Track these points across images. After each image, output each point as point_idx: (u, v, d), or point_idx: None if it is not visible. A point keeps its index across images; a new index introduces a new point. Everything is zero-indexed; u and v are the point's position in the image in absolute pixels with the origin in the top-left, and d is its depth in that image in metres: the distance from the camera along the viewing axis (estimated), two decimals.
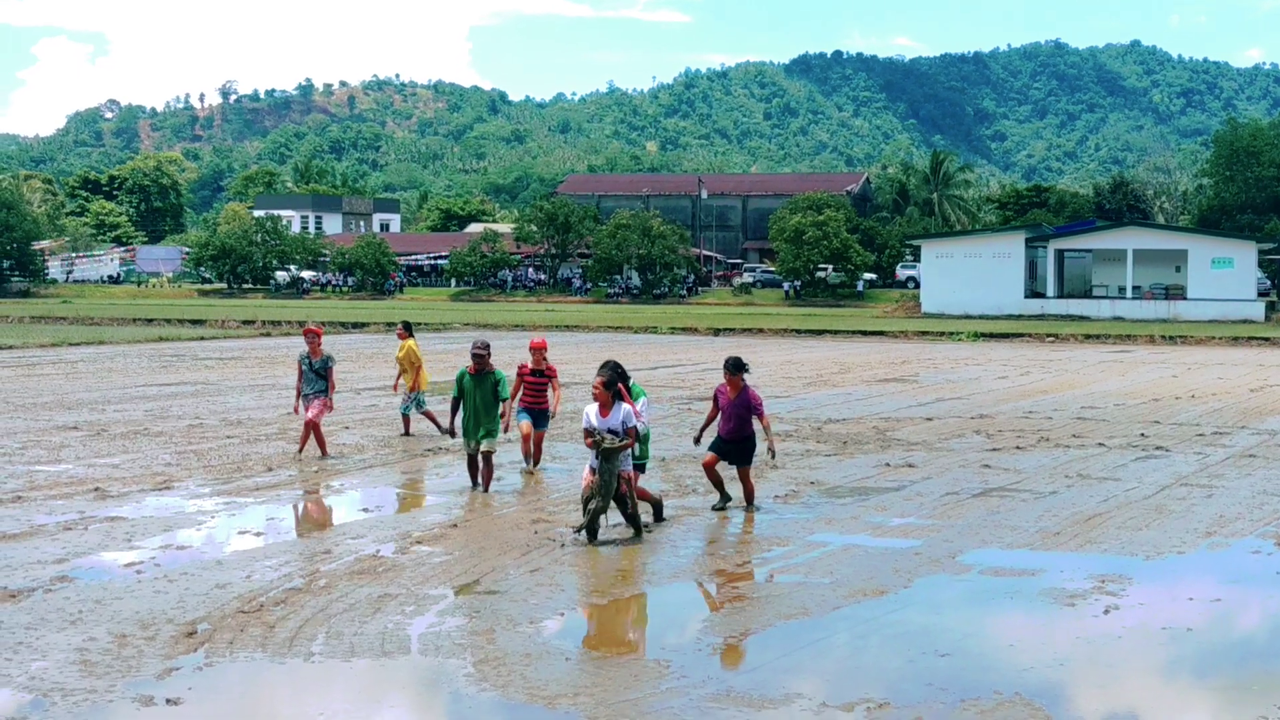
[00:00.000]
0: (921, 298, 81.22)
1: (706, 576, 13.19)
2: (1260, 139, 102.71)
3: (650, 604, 12.18)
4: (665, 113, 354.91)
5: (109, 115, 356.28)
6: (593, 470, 14.03)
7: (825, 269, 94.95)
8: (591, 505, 13.95)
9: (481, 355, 17.32)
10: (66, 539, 14.36)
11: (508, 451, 19.56)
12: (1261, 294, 79.59)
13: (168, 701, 9.27)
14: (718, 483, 16.25)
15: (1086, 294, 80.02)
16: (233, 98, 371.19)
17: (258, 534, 14.90)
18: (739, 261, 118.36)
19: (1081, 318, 72.59)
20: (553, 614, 11.66)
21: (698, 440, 16.68)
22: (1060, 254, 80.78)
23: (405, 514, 16.06)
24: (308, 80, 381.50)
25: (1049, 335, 57.25)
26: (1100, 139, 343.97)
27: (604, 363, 14.71)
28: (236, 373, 36.27)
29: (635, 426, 14.32)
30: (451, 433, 17.83)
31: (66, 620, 11.22)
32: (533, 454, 19.08)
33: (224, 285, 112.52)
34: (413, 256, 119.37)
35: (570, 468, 19.12)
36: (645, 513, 15.10)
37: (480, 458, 17.33)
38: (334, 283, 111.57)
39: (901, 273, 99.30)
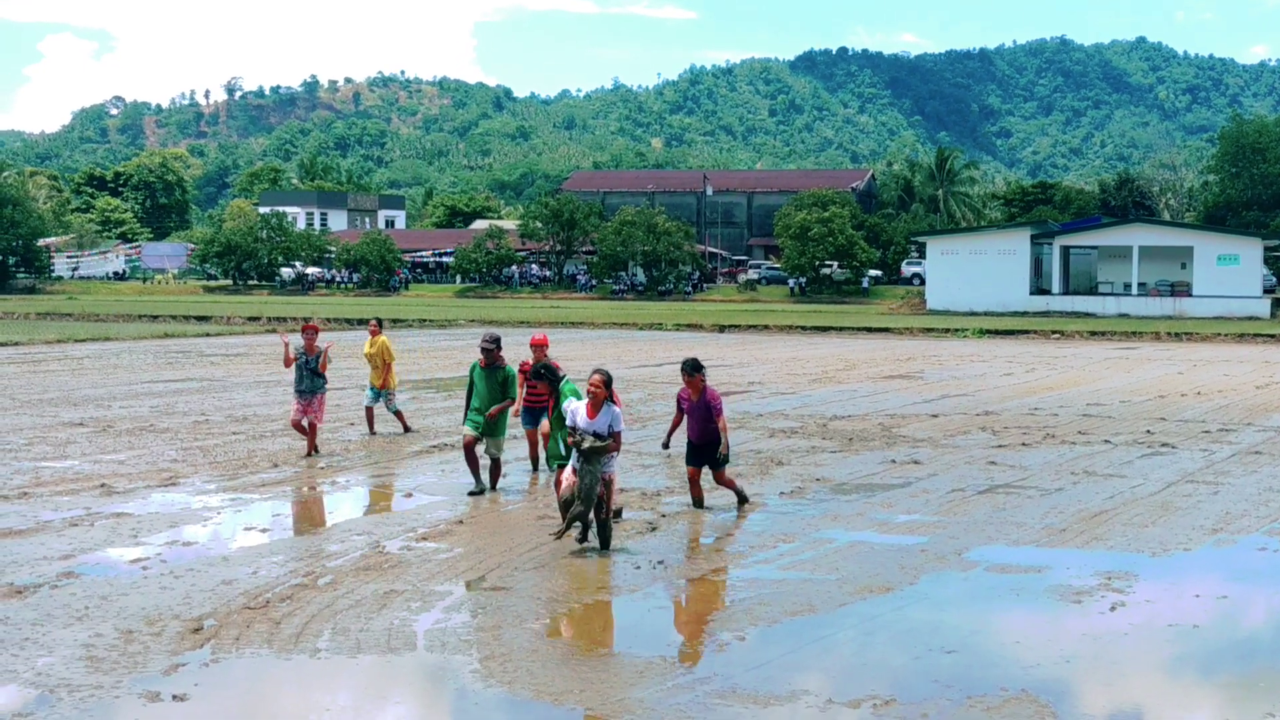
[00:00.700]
0: (927, 294, 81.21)
1: (712, 573, 13.18)
2: (1266, 135, 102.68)
3: (656, 601, 12.16)
4: (670, 109, 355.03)
5: (114, 112, 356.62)
6: (574, 471, 13.66)
7: (830, 266, 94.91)
8: (572, 510, 13.56)
9: (490, 349, 17.05)
10: (72, 535, 14.38)
11: (513, 447, 19.55)
12: (1267, 290, 79.41)
13: (174, 697, 9.28)
14: (699, 499, 16.02)
15: (1092, 291, 79.97)
16: (238, 94, 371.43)
17: (263, 530, 14.91)
18: (744, 258, 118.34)
19: (1087, 314, 72.54)
20: (559, 610, 11.66)
21: (665, 445, 16.32)
22: (1065, 251, 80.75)
23: (411, 510, 16.04)
24: (313, 77, 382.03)
25: (1054, 332, 57.21)
26: (1106, 135, 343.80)
27: (596, 369, 14.24)
28: (242, 369, 36.29)
29: (620, 431, 13.87)
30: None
31: (73, 616, 11.22)
32: (534, 456, 18.91)
33: (229, 282, 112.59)
34: (418, 253, 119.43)
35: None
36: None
37: (490, 461, 17.15)
38: (339, 279, 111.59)
39: (906, 269, 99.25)
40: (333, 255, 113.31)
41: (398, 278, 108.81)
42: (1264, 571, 13.61)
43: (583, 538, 13.85)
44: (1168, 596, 12.35)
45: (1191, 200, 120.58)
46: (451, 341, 47.11)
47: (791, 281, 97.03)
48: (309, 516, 16.25)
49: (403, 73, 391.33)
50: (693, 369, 15.59)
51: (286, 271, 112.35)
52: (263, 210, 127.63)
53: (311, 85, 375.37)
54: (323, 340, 21.10)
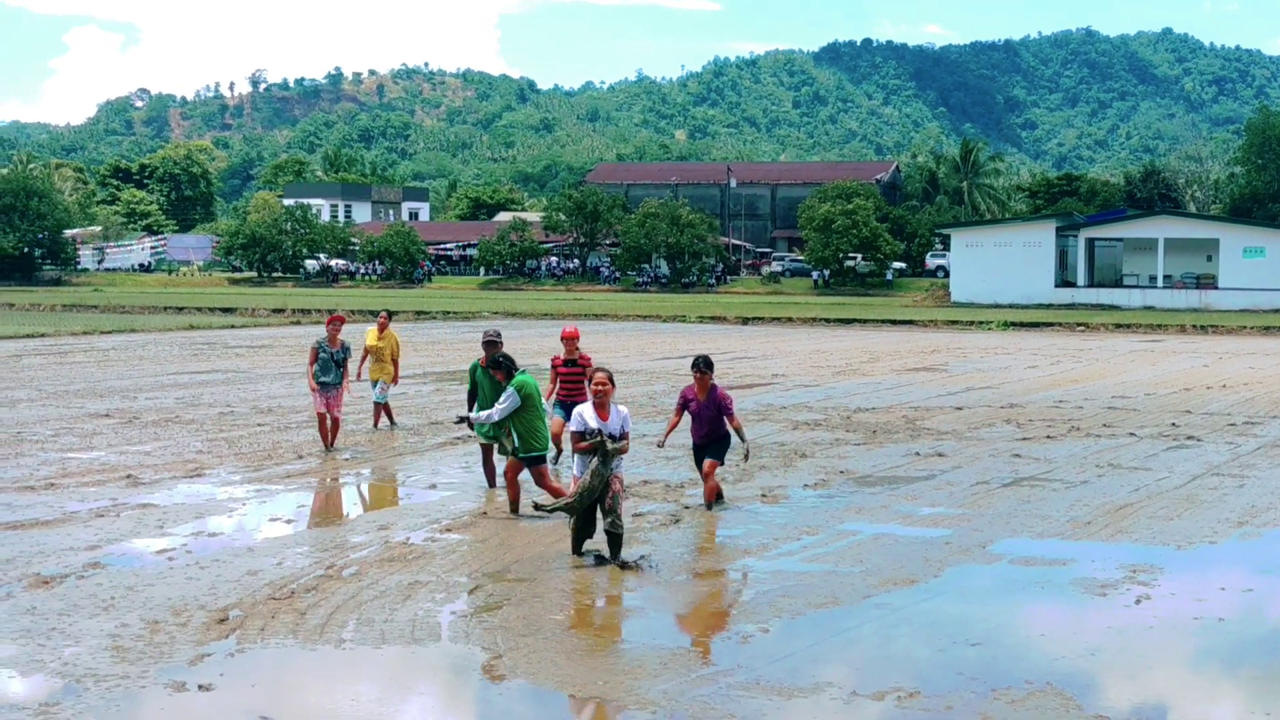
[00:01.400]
0: (951, 287, 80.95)
1: (735, 565, 13.16)
2: None
3: (678, 593, 12.16)
4: (694, 101, 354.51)
5: (139, 104, 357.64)
6: (590, 474, 12.96)
7: (854, 258, 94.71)
8: (570, 501, 13.01)
9: (494, 344, 16.52)
10: (99, 526, 14.44)
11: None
12: None
13: (200, 687, 9.31)
14: (713, 490, 15.56)
15: (1117, 283, 79.60)
16: (262, 86, 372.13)
17: (288, 521, 14.96)
18: (767, 250, 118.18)
19: (1112, 307, 72.24)
20: (582, 603, 11.68)
21: (661, 445, 16.04)
22: (1091, 243, 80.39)
23: (435, 502, 16.07)
24: (337, 69, 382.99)
25: (1079, 324, 57.01)
26: (1131, 127, 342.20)
27: (597, 367, 13.72)
28: (267, 361, 36.39)
29: (629, 431, 13.35)
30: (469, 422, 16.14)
31: (99, 606, 11.28)
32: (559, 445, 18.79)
33: (254, 274, 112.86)
34: (442, 245, 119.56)
35: None
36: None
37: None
38: (363, 271, 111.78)
39: (931, 262, 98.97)
40: (357, 247, 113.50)
41: (421, 270, 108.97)
42: None
43: (578, 548, 13.17)
44: (1193, 590, 12.30)
45: (1217, 192, 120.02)
46: (476, 334, 47.09)
47: (815, 274, 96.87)
48: (333, 508, 16.30)
49: (426, 65, 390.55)
50: (705, 366, 15.22)
51: (311, 264, 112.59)
52: (287, 202, 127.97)
53: (335, 77, 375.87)
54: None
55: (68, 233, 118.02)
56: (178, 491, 16.56)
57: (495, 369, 15.32)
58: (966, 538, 14.20)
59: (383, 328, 22.84)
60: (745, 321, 59.45)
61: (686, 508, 15.45)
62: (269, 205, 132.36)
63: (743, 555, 13.50)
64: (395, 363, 22.69)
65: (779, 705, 9.06)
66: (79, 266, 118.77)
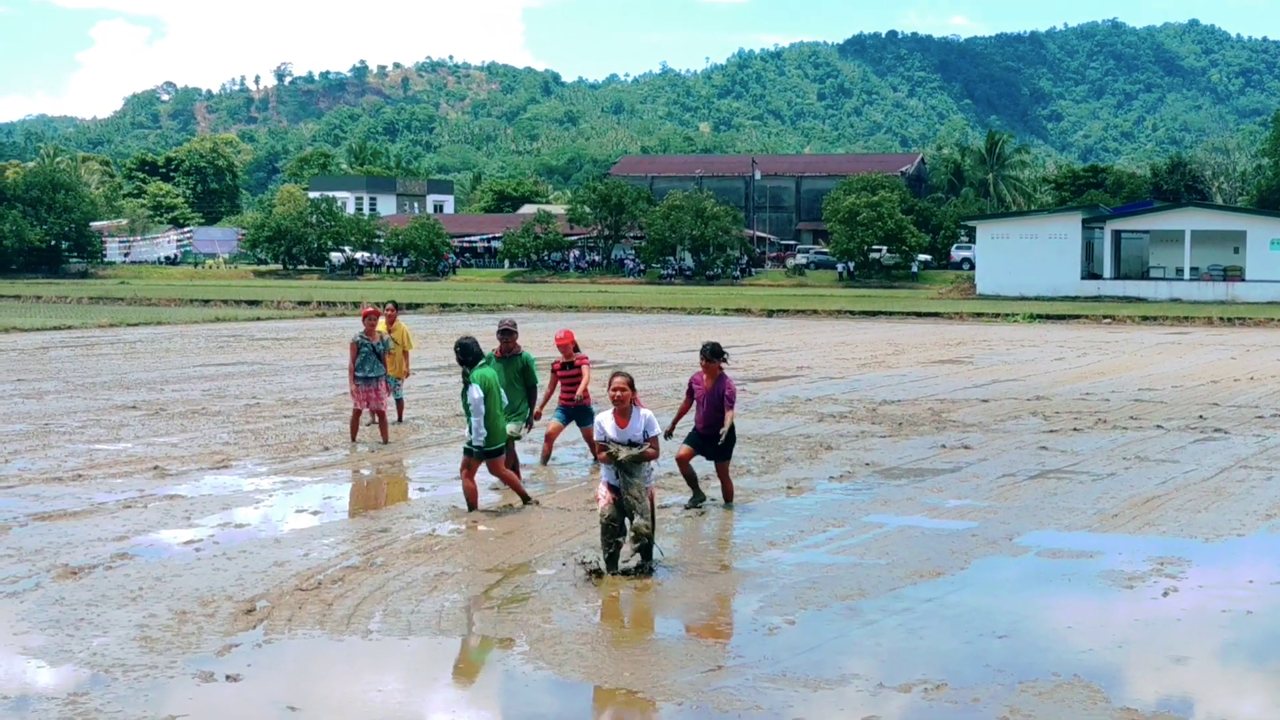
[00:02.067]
0: (977, 279, 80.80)
1: (760, 558, 13.14)
2: None
3: (704, 585, 12.14)
4: (718, 93, 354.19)
5: (165, 97, 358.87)
6: (610, 488, 12.32)
7: (879, 250, 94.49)
8: (638, 530, 12.20)
9: (508, 334, 16.52)
10: (126, 517, 14.50)
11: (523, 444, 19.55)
12: None
13: (227, 678, 9.35)
14: (690, 478, 15.15)
15: (1143, 275, 79.31)
16: (288, 80, 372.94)
17: (315, 513, 14.99)
18: (792, 243, 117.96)
19: (1138, 299, 71.98)
20: (607, 594, 11.67)
21: (670, 434, 14.90)
22: (1117, 235, 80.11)
23: (460, 493, 16.07)
24: (362, 62, 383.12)
25: (1105, 317, 56.84)
26: (1158, 119, 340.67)
27: (616, 371, 13.11)
28: (292, 353, 36.49)
29: (658, 434, 12.65)
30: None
31: (127, 597, 11.32)
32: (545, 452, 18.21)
33: (279, 266, 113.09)
34: (466, 238, 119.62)
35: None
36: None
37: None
38: (388, 264, 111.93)
39: (956, 254, 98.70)
40: (382, 240, 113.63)
41: (446, 262, 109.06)
42: None
43: (612, 566, 12.22)
44: (1221, 582, 12.25)
45: (1244, 184, 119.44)
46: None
47: (840, 266, 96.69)
48: (360, 499, 16.33)
49: (451, 58, 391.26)
50: (713, 354, 14.85)
51: (336, 256, 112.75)
52: (312, 195, 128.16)
53: (360, 70, 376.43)
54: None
55: (94, 225, 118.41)
56: (204, 483, 16.62)
57: (464, 364, 15.07)
58: (993, 530, 14.17)
59: (391, 320, 22.54)
60: (770, 314, 59.38)
61: (712, 500, 15.42)
62: (294, 198, 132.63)
63: (768, 547, 13.48)
64: (406, 355, 22.62)
65: (805, 697, 9.05)
66: (105, 259, 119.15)
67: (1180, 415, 23.63)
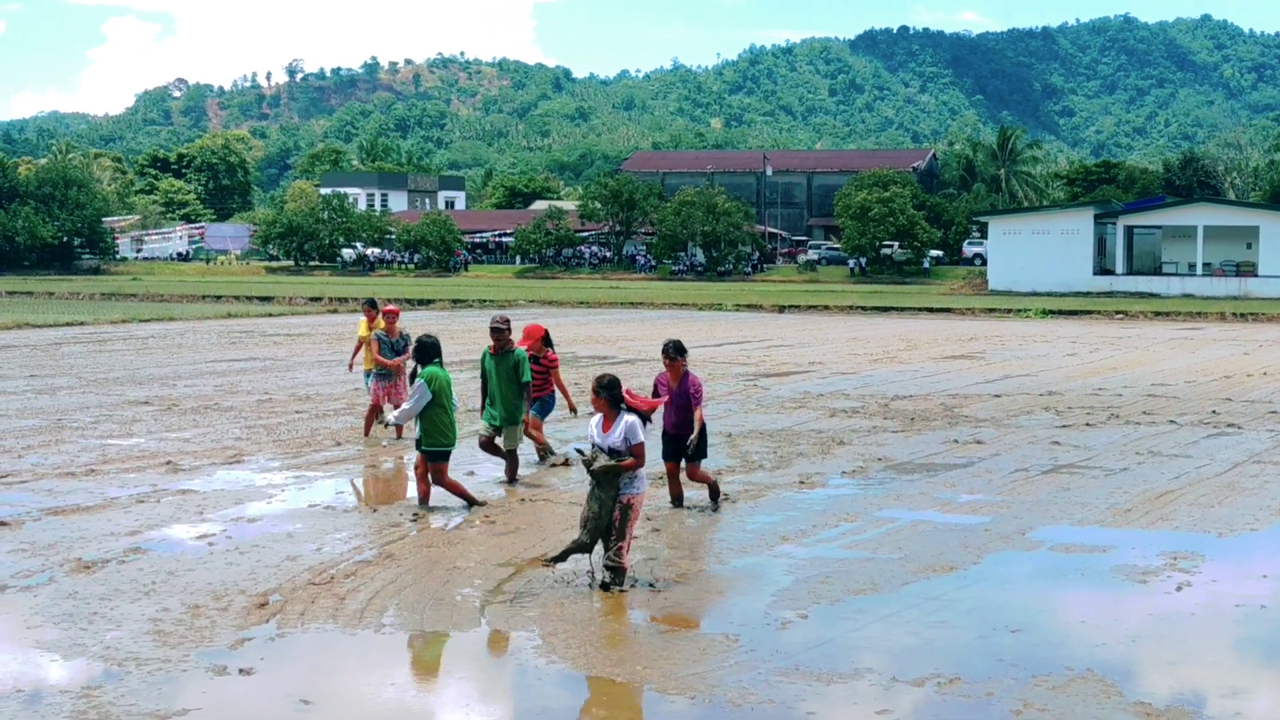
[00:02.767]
0: (989, 274, 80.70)
1: (772, 552, 13.13)
2: None
3: (717, 579, 12.14)
4: (730, 89, 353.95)
5: (177, 94, 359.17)
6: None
7: (891, 246, 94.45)
8: (576, 539, 11.72)
9: (501, 330, 16.45)
10: (139, 511, 14.52)
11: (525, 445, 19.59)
12: None
13: (240, 671, 9.36)
14: (677, 495, 14.89)
15: (1156, 271, 79.21)
16: (299, 76, 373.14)
17: (327, 507, 15.01)
18: (804, 239, 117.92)
19: (1151, 295, 71.86)
20: (620, 588, 11.66)
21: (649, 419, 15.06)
22: (1129, 230, 79.95)
23: (473, 488, 16.07)
24: (373, 58, 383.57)
25: (1118, 312, 56.72)
26: (1170, 114, 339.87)
27: (599, 374, 12.15)
28: (304, 349, 36.53)
29: (640, 443, 11.66)
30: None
31: (140, 591, 11.34)
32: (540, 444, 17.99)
33: (291, 262, 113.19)
34: (478, 234, 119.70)
35: None
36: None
37: (505, 456, 16.50)
38: (400, 260, 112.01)
39: (968, 249, 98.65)
40: (393, 236, 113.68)
41: (457, 258, 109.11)
42: None
43: (592, 581, 11.66)
44: (1234, 577, 12.23)
45: (1257, 179, 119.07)
46: (512, 322, 47.15)
47: (852, 262, 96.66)
48: (372, 494, 16.36)
49: (462, 54, 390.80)
50: (675, 352, 14.46)
51: (347, 252, 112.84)
52: (324, 191, 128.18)
53: (372, 67, 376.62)
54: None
55: (106, 222, 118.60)
56: (217, 478, 16.64)
57: (420, 360, 15.01)
58: (1006, 525, 14.15)
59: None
60: (782, 309, 59.34)
61: (725, 496, 15.41)
62: (306, 194, 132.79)
63: (781, 541, 13.47)
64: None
65: (818, 691, 9.05)
66: (117, 255, 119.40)
67: (1193, 410, 23.58)
